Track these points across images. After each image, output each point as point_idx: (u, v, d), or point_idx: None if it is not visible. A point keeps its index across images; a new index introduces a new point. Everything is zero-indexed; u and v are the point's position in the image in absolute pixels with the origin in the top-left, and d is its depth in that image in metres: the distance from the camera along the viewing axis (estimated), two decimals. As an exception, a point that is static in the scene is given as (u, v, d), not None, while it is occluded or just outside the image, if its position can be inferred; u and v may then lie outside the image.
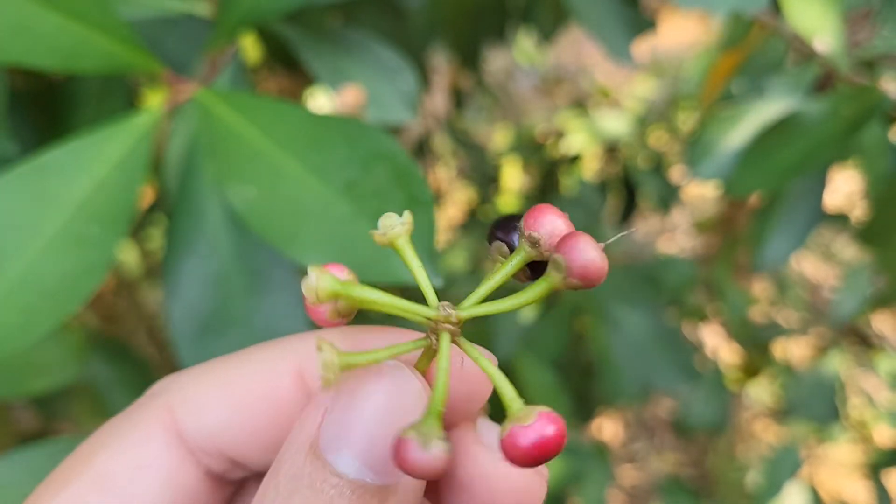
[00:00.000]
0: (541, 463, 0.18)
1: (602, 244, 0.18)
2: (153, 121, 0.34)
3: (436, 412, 0.18)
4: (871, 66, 0.60)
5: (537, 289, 0.19)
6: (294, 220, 0.31)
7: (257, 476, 0.25)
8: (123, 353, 0.60)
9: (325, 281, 0.19)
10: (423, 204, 0.30)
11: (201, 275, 0.39)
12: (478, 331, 0.85)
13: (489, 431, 0.22)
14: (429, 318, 0.19)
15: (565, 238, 0.18)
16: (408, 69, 0.47)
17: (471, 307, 0.20)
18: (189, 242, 0.39)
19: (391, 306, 0.19)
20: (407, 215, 0.21)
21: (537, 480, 0.22)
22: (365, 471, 0.19)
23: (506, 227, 0.20)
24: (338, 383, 0.20)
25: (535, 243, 0.19)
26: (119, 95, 0.46)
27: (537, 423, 0.17)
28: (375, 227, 0.21)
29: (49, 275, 0.32)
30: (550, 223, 0.19)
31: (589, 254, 0.17)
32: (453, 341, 0.19)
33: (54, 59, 0.32)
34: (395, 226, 0.20)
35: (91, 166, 0.33)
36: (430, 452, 0.17)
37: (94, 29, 0.33)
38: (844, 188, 1.44)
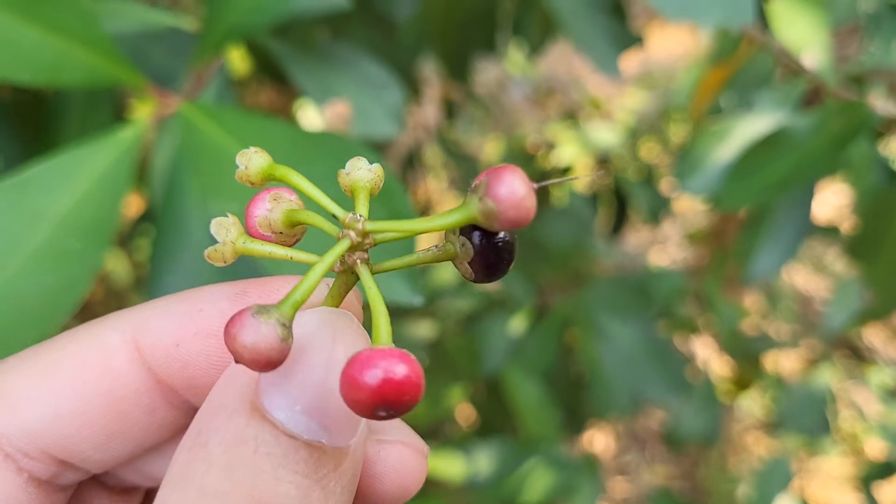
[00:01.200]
0: (383, 408, 0.14)
1: (535, 183, 0.16)
2: (137, 135, 0.34)
3: (293, 301, 0.16)
4: (859, 81, 0.61)
5: (454, 214, 0.16)
6: (276, 236, 0.30)
7: (94, 480, 0.21)
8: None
9: (259, 157, 0.18)
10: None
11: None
12: (466, 344, 0.85)
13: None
14: (336, 217, 0.18)
15: (496, 169, 0.16)
16: (394, 83, 0.47)
17: (379, 222, 0.17)
18: (173, 258, 0.39)
19: (313, 196, 0.18)
20: (377, 166, 0.19)
21: (418, 459, 0.20)
22: (319, 430, 0.16)
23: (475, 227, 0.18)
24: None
25: (480, 196, 0.16)
26: (105, 108, 0.46)
27: (389, 357, 0.15)
28: None
29: (30, 289, 0.32)
30: (508, 183, 0.15)
31: (514, 184, 0.15)
32: (355, 262, 0.18)
33: (36, 73, 0.32)
34: (361, 169, 0.19)
35: (73, 181, 0.33)
36: (261, 330, 0.15)
37: (76, 43, 0.33)
38: (835, 201, 1.45)
